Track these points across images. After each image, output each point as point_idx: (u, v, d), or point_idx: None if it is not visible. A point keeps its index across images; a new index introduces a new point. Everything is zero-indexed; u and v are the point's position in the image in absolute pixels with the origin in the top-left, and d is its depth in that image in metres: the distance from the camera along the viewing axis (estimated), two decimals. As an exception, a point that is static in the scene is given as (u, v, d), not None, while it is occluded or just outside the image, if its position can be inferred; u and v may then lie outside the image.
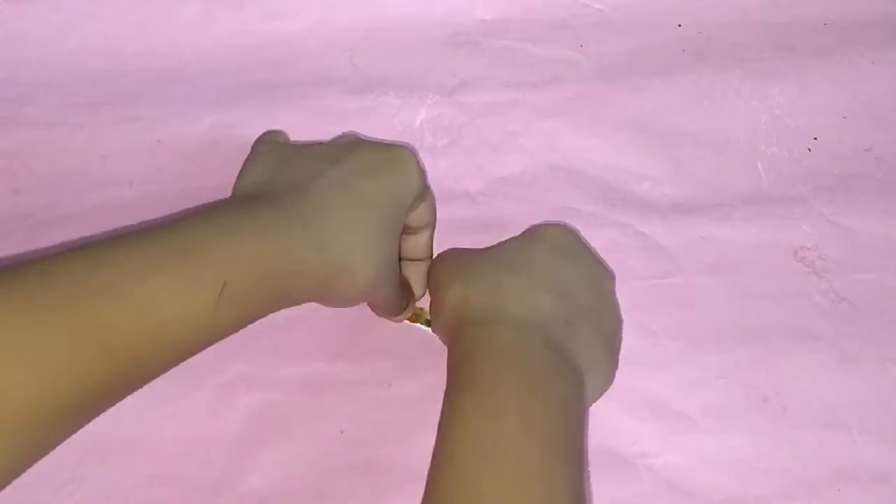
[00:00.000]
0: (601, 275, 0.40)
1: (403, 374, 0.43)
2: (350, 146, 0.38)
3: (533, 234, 0.40)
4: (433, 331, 0.41)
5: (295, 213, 0.34)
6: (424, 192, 0.39)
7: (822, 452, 0.41)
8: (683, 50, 0.53)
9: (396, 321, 0.43)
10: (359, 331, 0.44)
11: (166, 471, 0.41)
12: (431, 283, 0.41)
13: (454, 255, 0.41)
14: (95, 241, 0.30)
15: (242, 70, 0.52)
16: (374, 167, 0.37)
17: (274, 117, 0.50)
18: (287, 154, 0.39)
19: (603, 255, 0.46)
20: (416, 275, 0.43)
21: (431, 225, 0.42)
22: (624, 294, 0.45)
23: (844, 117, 0.51)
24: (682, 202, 0.48)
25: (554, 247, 0.39)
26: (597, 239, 0.46)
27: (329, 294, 0.36)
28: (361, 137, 0.40)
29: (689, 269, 0.46)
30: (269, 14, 0.53)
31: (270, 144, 0.41)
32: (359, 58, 0.53)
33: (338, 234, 0.35)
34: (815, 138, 0.50)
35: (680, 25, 0.54)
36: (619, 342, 0.39)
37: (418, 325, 0.43)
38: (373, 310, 0.42)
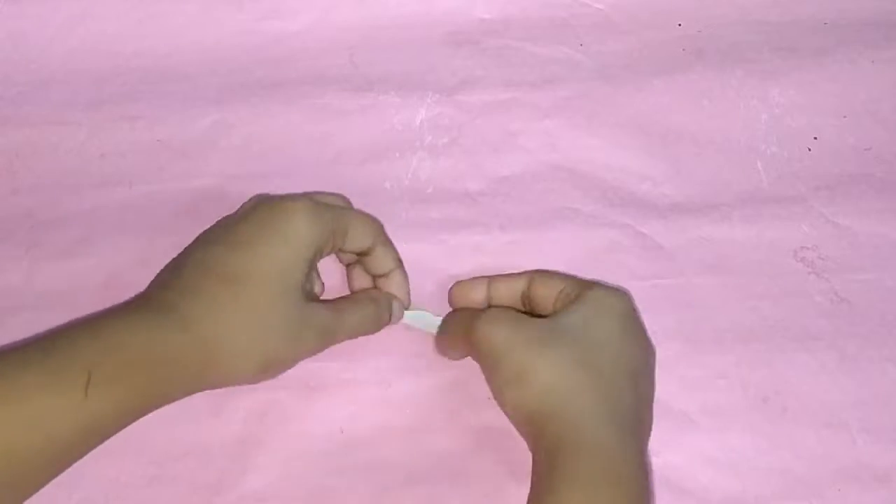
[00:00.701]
0: (652, 355, 0.41)
1: (403, 374, 0.43)
2: (241, 215, 0.39)
3: (600, 301, 0.39)
4: (503, 408, 0.38)
5: (164, 303, 0.35)
6: (339, 228, 0.39)
7: (822, 452, 0.41)
8: (683, 49, 0.53)
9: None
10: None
11: (166, 471, 0.41)
12: (488, 345, 0.38)
13: (515, 316, 0.39)
14: None
15: (242, 69, 0.52)
16: (254, 236, 0.37)
17: (274, 117, 0.50)
18: (202, 237, 0.39)
19: (603, 255, 0.46)
20: (394, 286, 0.43)
21: (378, 241, 0.41)
22: (624, 294, 0.45)
23: (844, 117, 0.51)
24: (681, 202, 0.48)
25: (626, 319, 0.39)
26: (597, 239, 0.46)
27: (219, 378, 0.36)
28: (261, 201, 0.39)
29: (689, 269, 0.46)
30: (269, 13, 0.53)
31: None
32: (359, 57, 0.53)
33: (209, 317, 0.35)
34: (815, 138, 0.50)
35: (680, 25, 0.54)
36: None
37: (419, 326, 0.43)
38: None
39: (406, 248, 0.45)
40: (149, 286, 0.38)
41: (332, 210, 0.39)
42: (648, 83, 0.52)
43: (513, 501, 0.38)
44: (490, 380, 0.38)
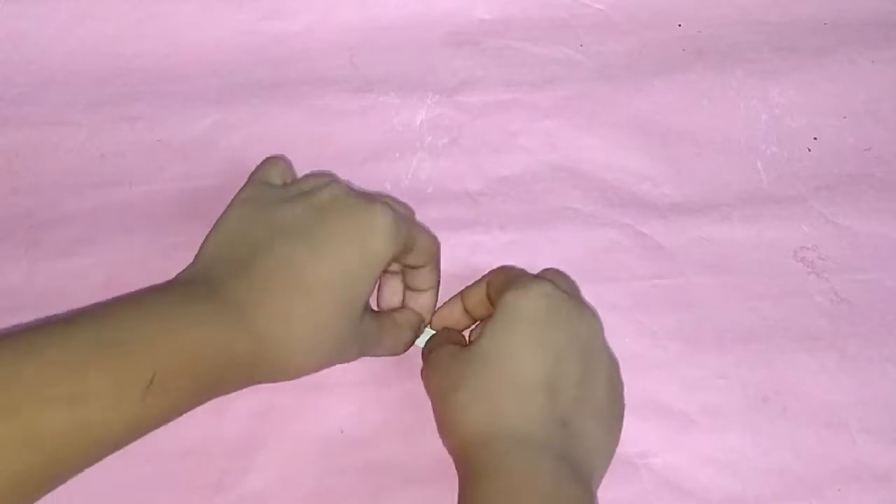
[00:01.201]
0: (590, 332, 0.39)
1: (403, 374, 0.43)
2: (319, 210, 0.37)
3: (509, 311, 0.37)
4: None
5: (232, 300, 0.34)
6: (409, 242, 0.38)
7: (822, 452, 0.41)
8: (683, 50, 0.53)
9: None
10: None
11: (166, 471, 0.41)
12: (428, 390, 0.39)
13: (444, 357, 0.39)
14: (27, 330, 0.31)
15: (242, 70, 0.52)
16: (332, 243, 0.36)
17: (274, 117, 0.50)
18: (254, 215, 0.38)
19: (603, 255, 0.46)
20: (420, 304, 0.43)
21: (430, 261, 0.41)
22: (624, 294, 0.45)
23: (844, 117, 0.51)
24: (681, 202, 0.48)
25: (534, 323, 0.37)
26: (597, 239, 0.46)
27: (265, 377, 0.36)
28: (340, 190, 0.38)
29: (689, 269, 0.46)
30: (269, 14, 0.53)
31: (254, 190, 0.39)
32: (359, 58, 0.53)
33: (276, 322, 0.34)
34: (815, 138, 0.50)
35: (680, 25, 0.54)
36: (620, 408, 0.39)
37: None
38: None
39: (406, 248, 0.45)
40: (204, 263, 0.36)
41: (407, 226, 0.38)
42: (648, 83, 0.52)
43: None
44: (436, 420, 0.38)
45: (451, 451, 0.37)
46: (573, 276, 0.45)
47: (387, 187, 0.48)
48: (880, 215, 0.47)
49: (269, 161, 0.42)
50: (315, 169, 0.49)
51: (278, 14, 0.53)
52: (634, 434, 0.41)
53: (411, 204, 0.47)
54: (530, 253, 0.46)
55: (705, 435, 0.42)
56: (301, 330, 0.35)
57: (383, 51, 0.53)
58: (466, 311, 0.43)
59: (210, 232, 0.38)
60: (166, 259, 0.42)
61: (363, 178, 0.48)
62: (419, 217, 0.47)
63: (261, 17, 0.53)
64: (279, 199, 0.38)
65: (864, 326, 0.44)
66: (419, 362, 0.43)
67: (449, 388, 0.37)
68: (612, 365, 0.39)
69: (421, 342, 0.42)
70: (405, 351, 0.42)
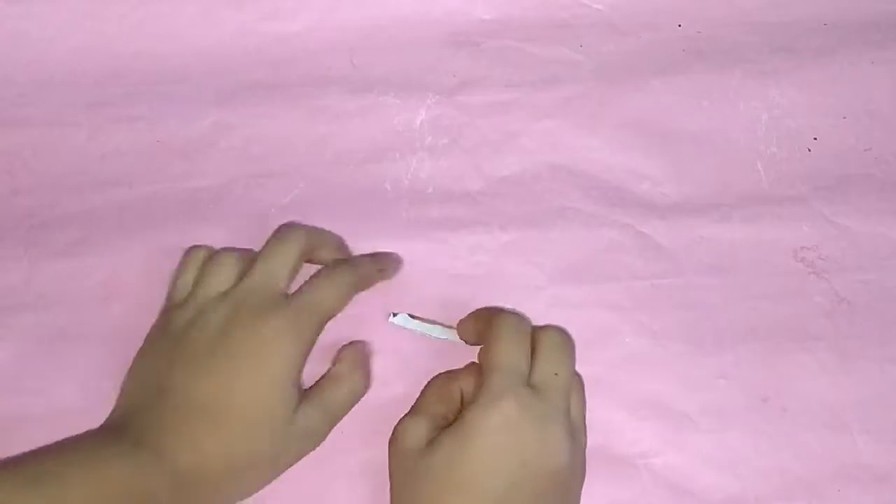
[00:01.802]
0: (547, 460, 0.36)
1: (403, 374, 0.43)
2: (217, 333, 0.37)
3: (467, 427, 0.35)
4: None
5: (146, 439, 0.35)
6: (320, 321, 0.39)
7: (822, 452, 0.41)
8: (683, 50, 0.53)
9: None
10: (359, 331, 0.43)
11: (166, 471, 0.41)
12: (390, 452, 0.39)
13: (407, 442, 0.37)
14: None
15: (242, 70, 0.52)
16: (232, 367, 0.36)
17: (274, 118, 0.50)
18: (159, 347, 0.38)
19: (603, 254, 0.46)
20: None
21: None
22: (624, 294, 0.45)
23: (844, 117, 0.51)
24: (681, 202, 0.48)
25: (489, 447, 0.35)
26: (597, 239, 0.46)
27: None
28: (233, 306, 0.38)
29: (689, 269, 0.46)
30: (269, 14, 0.53)
31: (161, 319, 0.40)
32: (359, 58, 0.53)
33: (189, 456, 0.35)
34: (815, 138, 0.50)
35: (680, 25, 0.54)
36: None
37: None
38: None
39: (406, 248, 0.45)
40: (122, 406, 0.38)
41: (310, 312, 0.38)
42: (648, 84, 0.52)
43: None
44: None
45: None
46: (573, 276, 0.45)
47: (387, 188, 0.48)
48: (880, 215, 0.47)
49: (178, 270, 0.42)
50: (315, 169, 0.49)
51: (278, 14, 0.53)
52: (634, 434, 0.42)
53: (411, 204, 0.48)
54: (530, 253, 0.46)
55: (705, 435, 0.42)
56: (216, 461, 0.35)
57: (383, 51, 0.53)
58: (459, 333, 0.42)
59: (128, 370, 0.39)
60: (166, 259, 0.42)
61: (363, 178, 0.49)
62: (419, 217, 0.47)
63: (261, 18, 0.53)
64: (182, 323, 0.38)
65: (864, 326, 0.44)
66: (420, 362, 0.43)
67: (396, 492, 0.37)
68: (565, 486, 0.37)
69: (399, 321, 0.42)
70: (367, 386, 0.41)
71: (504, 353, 0.37)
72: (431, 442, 0.36)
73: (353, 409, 0.41)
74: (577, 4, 0.54)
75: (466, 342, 0.42)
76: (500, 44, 0.53)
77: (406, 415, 0.39)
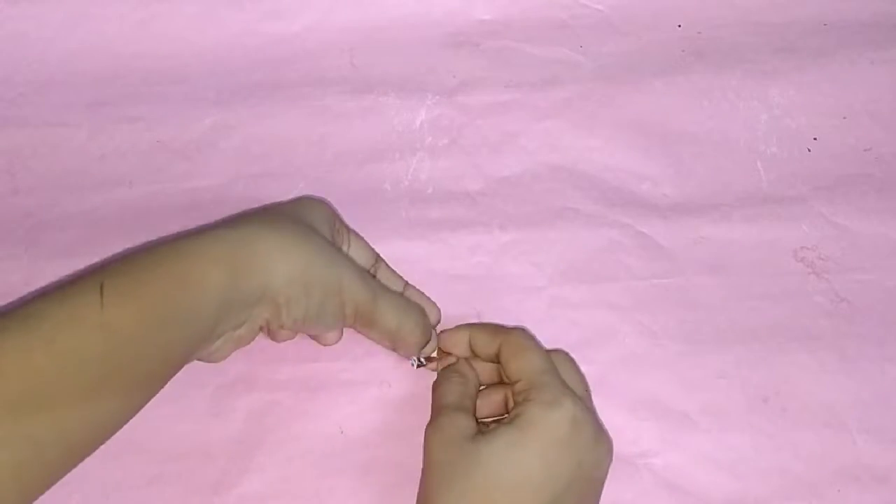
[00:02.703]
0: (597, 465, 0.37)
1: (403, 374, 0.43)
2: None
3: (528, 426, 0.35)
4: None
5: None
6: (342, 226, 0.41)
7: (822, 452, 0.41)
8: (683, 50, 0.53)
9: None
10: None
11: (166, 471, 0.41)
12: (426, 447, 0.38)
13: (452, 433, 0.37)
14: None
15: (242, 70, 0.52)
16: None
17: (274, 118, 0.50)
18: None
19: (603, 255, 0.46)
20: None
21: (379, 259, 0.43)
22: (624, 294, 0.45)
23: (844, 117, 0.51)
24: (682, 202, 0.48)
25: (551, 447, 0.35)
26: (597, 239, 0.46)
27: (251, 286, 0.35)
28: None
29: (689, 269, 0.46)
30: (269, 14, 0.53)
31: None
32: (359, 58, 0.53)
33: (238, 225, 0.36)
34: (815, 138, 0.50)
35: (680, 26, 0.54)
36: None
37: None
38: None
39: (406, 248, 0.45)
40: None
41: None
42: (648, 84, 0.52)
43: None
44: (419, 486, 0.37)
45: None
46: (573, 276, 0.45)
47: (387, 188, 0.48)
48: (880, 215, 0.47)
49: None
50: (315, 169, 0.49)
51: (278, 14, 0.53)
52: (634, 434, 0.41)
53: (411, 204, 0.48)
54: (530, 253, 0.46)
55: (705, 435, 0.42)
56: (265, 231, 0.36)
57: (383, 51, 0.53)
58: (471, 346, 0.41)
59: None
60: (166, 259, 0.42)
61: (363, 178, 0.49)
62: (419, 217, 0.47)
63: (261, 18, 0.53)
64: None
65: (864, 326, 0.44)
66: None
67: (442, 480, 0.35)
68: (598, 495, 0.38)
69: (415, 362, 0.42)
70: (419, 335, 0.40)
71: (549, 360, 0.38)
72: (482, 434, 0.36)
73: (352, 409, 0.41)
74: (577, 5, 0.55)
75: (478, 354, 0.41)
76: (500, 44, 0.53)
77: (448, 408, 0.38)
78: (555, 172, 0.49)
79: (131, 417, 0.34)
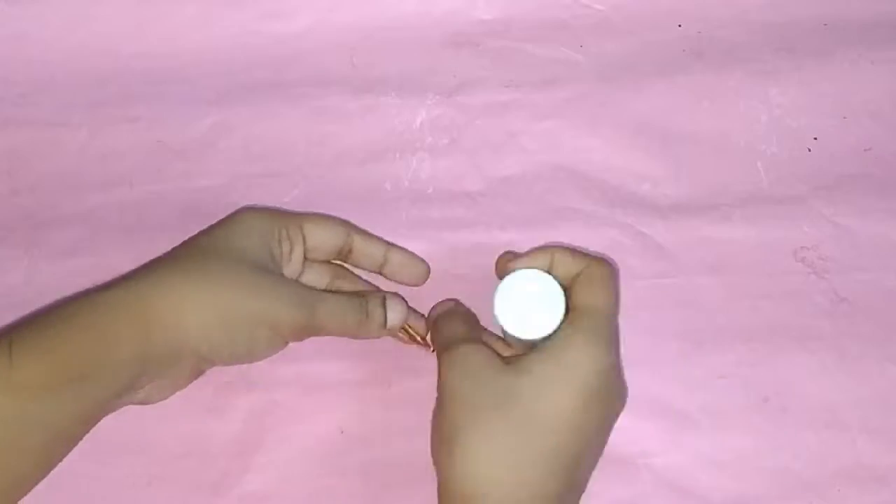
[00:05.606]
0: (616, 415, 0.37)
1: (403, 374, 0.43)
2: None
3: (571, 367, 0.34)
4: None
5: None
6: (292, 223, 0.39)
7: (822, 452, 0.41)
8: (683, 50, 0.53)
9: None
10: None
11: (166, 471, 0.41)
12: (443, 384, 0.36)
13: (477, 363, 0.36)
14: None
15: (242, 70, 0.52)
16: (199, 235, 0.38)
17: (274, 118, 0.50)
18: None
19: (603, 254, 0.46)
20: (402, 264, 0.43)
21: (352, 232, 0.42)
22: (624, 294, 0.45)
23: (844, 117, 0.51)
24: (682, 202, 0.48)
25: (585, 391, 0.34)
26: (597, 239, 0.46)
27: (170, 343, 0.34)
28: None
29: (689, 269, 0.46)
30: (269, 14, 0.53)
31: None
32: (359, 58, 0.53)
33: (147, 275, 0.36)
34: (815, 138, 0.50)
35: (680, 26, 0.54)
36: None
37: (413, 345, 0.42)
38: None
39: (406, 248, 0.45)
40: None
41: (280, 211, 0.39)
42: (648, 84, 0.52)
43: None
44: (433, 423, 0.36)
45: (439, 479, 0.35)
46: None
47: (387, 188, 0.48)
48: (880, 215, 0.47)
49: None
50: (315, 169, 0.49)
51: (278, 14, 0.53)
52: (634, 434, 0.41)
53: (411, 204, 0.48)
54: (530, 253, 0.46)
55: (705, 435, 0.42)
56: (176, 279, 0.35)
57: (383, 51, 0.53)
58: (551, 266, 0.39)
59: None
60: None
61: (363, 178, 0.49)
62: (420, 217, 0.47)
63: (261, 17, 0.53)
64: None
65: (864, 326, 0.44)
66: (419, 362, 0.42)
67: (467, 415, 0.34)
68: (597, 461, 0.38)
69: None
70: (367, 327, 0.39)
71: (615, 307, 0.38)
72: (511, 366, 0.35)
73: (352, 409, 0.41)
74: (577, 4, 0.54)
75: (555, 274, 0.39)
76: (500, 44, 0.53)
77: (461, 341, 0.37)
78: (555, 172, 0.49)
79: (47, 474, 0.34)
